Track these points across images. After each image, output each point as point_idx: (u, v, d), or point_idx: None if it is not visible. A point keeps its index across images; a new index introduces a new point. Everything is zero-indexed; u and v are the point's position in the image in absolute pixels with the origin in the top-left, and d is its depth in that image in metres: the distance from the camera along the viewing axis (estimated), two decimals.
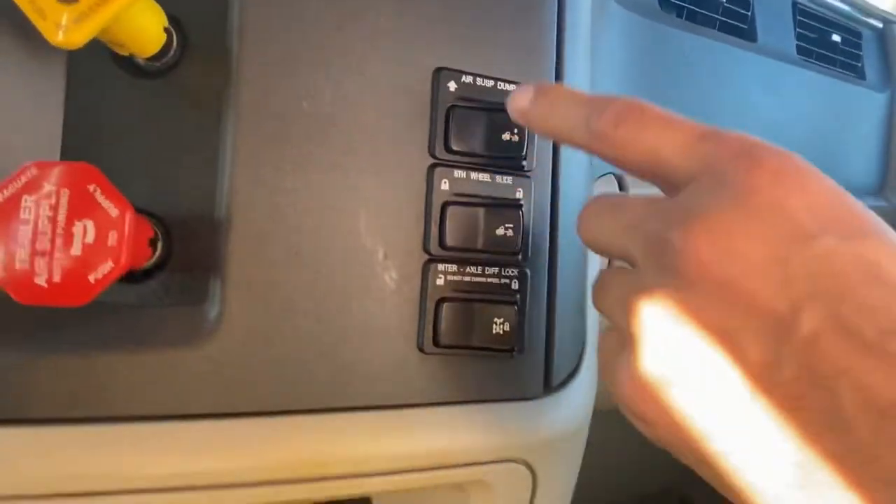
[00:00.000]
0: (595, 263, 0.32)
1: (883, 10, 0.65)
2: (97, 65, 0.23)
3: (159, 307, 0.23)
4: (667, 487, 0.67)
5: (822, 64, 0.58)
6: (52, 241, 0.18)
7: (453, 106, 0.26)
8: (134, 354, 0.22)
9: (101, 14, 0.18)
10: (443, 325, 0.25)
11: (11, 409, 0.21)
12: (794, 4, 0.58)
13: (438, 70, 0.26)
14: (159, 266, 0.23)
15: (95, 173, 0.18)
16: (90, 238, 0.18)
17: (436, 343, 0.25)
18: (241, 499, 0.23)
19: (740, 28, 0.52)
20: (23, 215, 0.18)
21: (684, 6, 0.49)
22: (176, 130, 0.24)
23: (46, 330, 0.21)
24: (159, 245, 0.23)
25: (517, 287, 0.27)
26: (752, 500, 0.17)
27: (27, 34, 0.22)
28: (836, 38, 0.60)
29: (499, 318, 0.26)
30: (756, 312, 0.15)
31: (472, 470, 0.27)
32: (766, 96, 0.52)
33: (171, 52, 0.23)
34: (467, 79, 0.26)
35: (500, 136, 0.26)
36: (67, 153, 0.23)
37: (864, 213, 0.16)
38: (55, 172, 0.18)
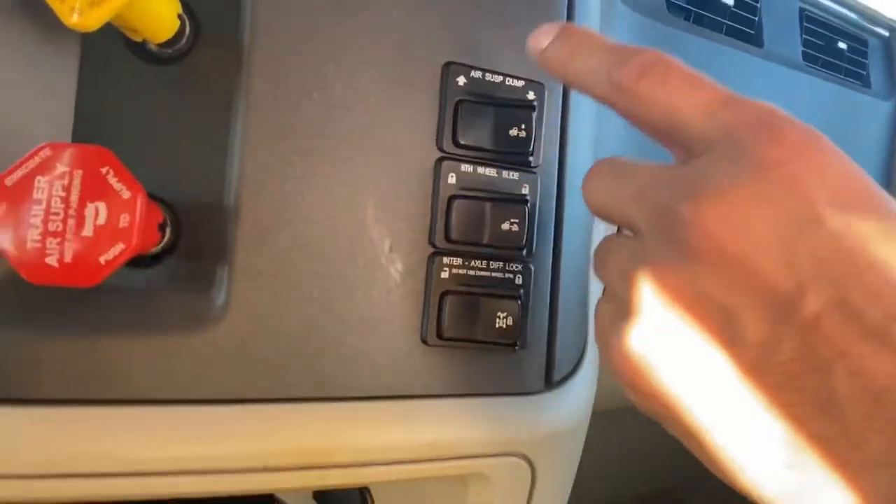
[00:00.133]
0: None
1: (889, 19, 0.65)
2: (110, 50, 0.23)
3: (166, 292, 0.23)
4: (664, 489, 0.67)
5: (827, 71, 0.58)
6: (64, 222, 0.18)
7: (462, 100, 0.26)
8: (140, 338, 0.22)
9: None
10: (446, 318, 0.25)
11: (18, 389, 0.21)
12: (802, 11, 0.58)
13: (448, 64, 0.26)
14: (167, 251, 0.23)
15: (109, 156, 0.18)
16: (102, 220, 0.18)
17: (439, 335, 0.26)
18: (242, 484, 0.24)
19: (747, 33, 0.52)
20: (35, 195, 0.18)
21: (692, 10, 0.49)
22: (186, 117, 0.24)
23: (54, 311, 0.22)
24: (167, 230, 0.23)
25: (521, 282, 0.27)
26: (736, 476, 0.17)
27: (42, 18, 0.22)
28: (842, 45, 0.61)
29: (502, 312, 0.26)
30: (760, 290, 0.15)
31: (473, 462, 0.27)
32: (771, 102, 0.53)
33: (184, 40, 0.23)
34: (476, 74, 0.26)
35: (508, 132, 0.26)
36: (78, 137, 0.23)
37: (882, 196, 0.15)
38: (69, 154, 0.18)
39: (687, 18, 0.49)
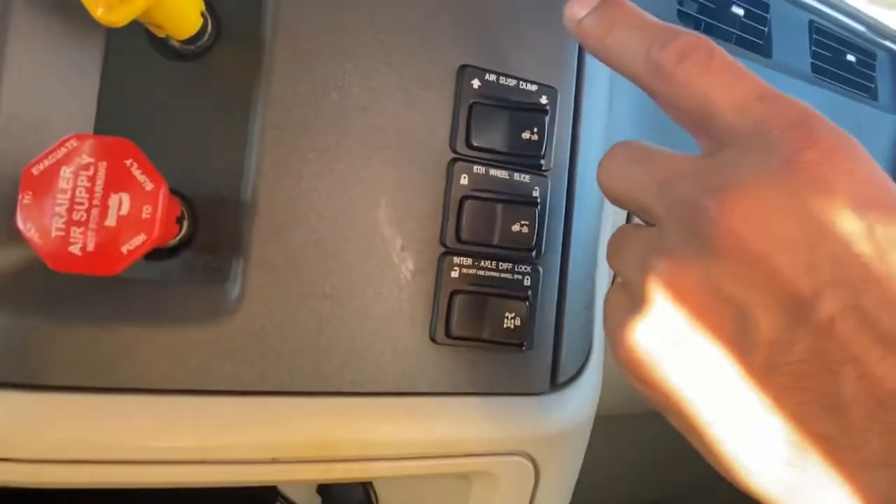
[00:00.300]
0: (605, 265, 0.33)
1: None
2: (133, 45, 0.24)
3: (182, 285, 0.23)
4: (666, 498, 0.68)
5: (835, 83, 0.59)
6: (88, 212, 0.18)
7: (476, 103, 0.26)
8: (156, 329, 0.22)
9: None
10: (455, 317, 0.26)
11: (36, 375, 0.21)
12: (811, 23, 0.59)
13: (463, 67, 0.26)
14: (184, 244, 0.24)
15: (133, 148, 0.19)
16: (125, 210, 0.18)
17: (448, 334, 0.26)
18: (250, 475, 0.24)
19: (756, 43, 0.52)
20: (61, 185, 0.18)
21: (702, 19, 0.49)
22: (206, 113, 0.24)
23: (73, 300, 0.22)
24: (185, 223, 0.23)
25: (529, 283, 0.27)
26: (736, 471, 0.17)
27: (68, 13, 0.22)
28: (850, 57, 0.61)
29: (510, 312, 0.26)
30: (777, 291, 0.15)
31: (477, 460, 0.27)
32: None
33: (206, 37, 0.24)
34: (490, 77, 0.27)
35: (521, 135, 0.27)
36: (100, 129, 0.23)
37: None
38: (94, 145, 0.18)
39: (697, 28, 0.49)
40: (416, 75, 0.26)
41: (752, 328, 0.16)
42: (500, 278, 0.27)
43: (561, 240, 0.29)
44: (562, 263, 0.29)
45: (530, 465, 0.28)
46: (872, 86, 0.63)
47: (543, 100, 0.27)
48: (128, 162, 0.18)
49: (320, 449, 0.24)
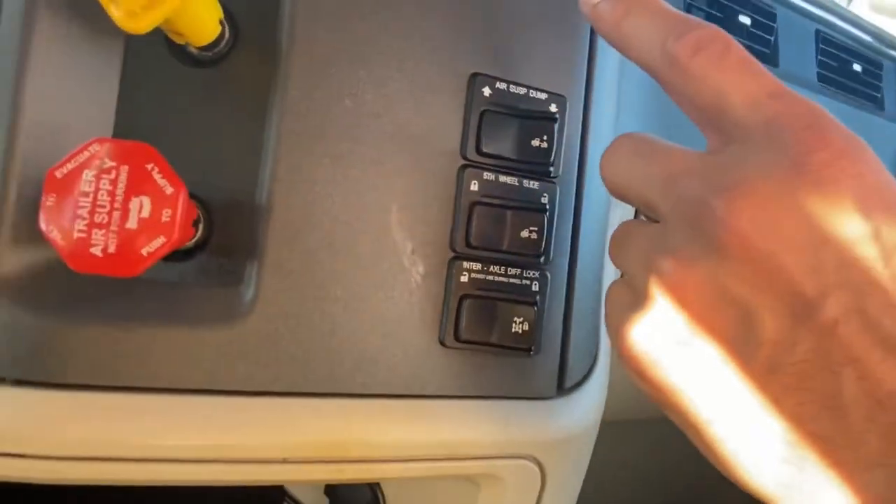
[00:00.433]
0: (612, 269, 0.33)
1: None
2: (152, 51, 0.24)
3: (197, 287, 0.24)
4: (669, 503, 0.68)
5: (842, 92, 0.59)
6: (110, 214, 0.19)
7: (486, 110, 0.27)
8: (171, 329, 0.23)
9: (169, 3, 0.19)
10: (464, 321, 0.26)
11: (55, 374, 0.22)
12: (818, 32, 0.59)
13: (474, 75, 0.27)
14: (199, 247, 0.24)
15: (154, 153, 0.19)
16: (145, 213, 0.19)
17: (456, 338, 0.26)
18: (261, 475, 0.24)
19: (763, 52, 0.53)
20: (83, 188, 0.19)
21: None
22: (222, 118, 0.25)
23: (91, 300, 0.22)
24: (201, 227, 0.24)
25: (538, 288, 0.28)
26: (734, 468, 0.17)
27: (89, 20, 0.23)
28: (857, 67, 0.61)
29: (518, 317, 0.27)
30: (782, 291, 0.15)
31: (484, 463, 0.27)
32: None
33: (223, 44, 0.24)
34: (501, 85, 0.27)
35: (530, 142, 0.27)
36: (119, 133, 0.24)
37: None
38: (116, 149, 0.19)
39: None
40: (428, 83, 0.26)
41: (755, 328, 0.16)
42: (508, 283, 0.27)
43: (569, 245, 0.29)
44: (569, 269, 0.29)
45: (537, 469, 0.29)
46: (878, 95, 0.63)
47: (553, 108, 0.28)
48: (149, 166, 0.19)
49: (331, 450, 0.25)
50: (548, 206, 0.28)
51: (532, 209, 0.27)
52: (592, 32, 0.30)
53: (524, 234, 0.27)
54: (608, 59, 0.31)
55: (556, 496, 0.30)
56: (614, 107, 0.32)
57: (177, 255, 0.24)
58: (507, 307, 0.27)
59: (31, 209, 0.22)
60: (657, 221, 0.20)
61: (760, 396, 0.16)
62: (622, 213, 0.36)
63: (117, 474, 0.23)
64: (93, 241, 0.19)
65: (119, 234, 0.19)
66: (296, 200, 0.24)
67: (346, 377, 0.25)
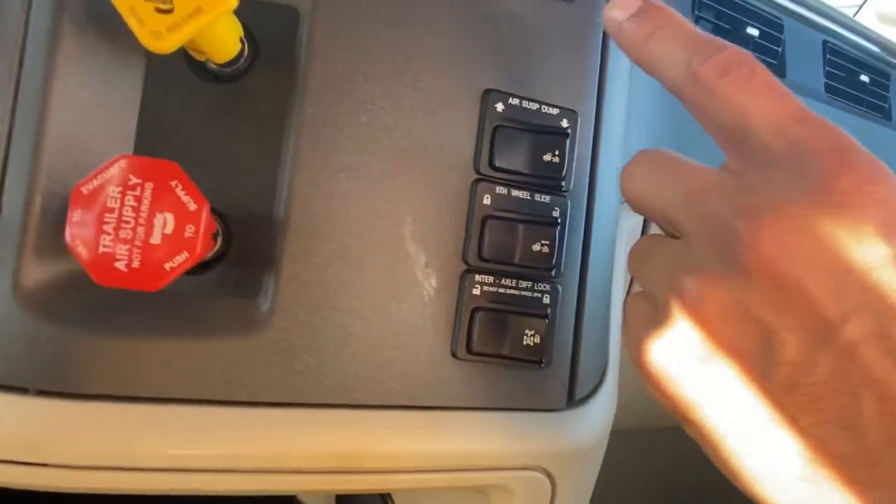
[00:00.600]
0: (621, 282, 0.33)
1: None
2: (172, 68, 0.25)
3: (215, 298, 0.24)
4: None
5: (849, 103, 0.59)
6: (134, 230, 0.19)
7: (499, 126, 0.27)
8: (190, 340, 0.23)
9: (193, 24, 0.20)
10: (476, 333, 0.26)
11: (75, 384, 0.22)
12: (825, 43, 0.59)
13: (488, 91, 0.27)
14: (217, 259, 0.24)
15: (178, 170, 0.20)
16: (169, 229, 0.19)
17: (468, 350, 0.27)
18: (275, 484, 0.25)
19: (770, 63, 0.53)
20: (109, 204, 0.19)
21: None
22: (240, 133, 0.25)
23: (111, 312, 0.23)
24: (219, 239, 0.24)
25: (549, 301, 0.28)
26: (750, 484, 0.17)
27: (112, 37, 0.23)
28: (864, 78, 0.61)
29: (530, 330, 0.27)
30: (805, 314, 0.16)
31: (495, 475, 0.28)
32: None
33: (243, 60, 0.25)
34: (514, 101, 0.27)
35: (542, 157, 0.27)
36: (140, 148, 0.24)
37: None
38: (141, 166, 0.19)
39: None
40: (442, 99, 0.26)
41: (776, 348, 0.16)
42: (520, 296, 0.27)
43: (579, 259, 0.29)
44: (580, 282, 0.29)
45: (547, 480, 0.29)
46: (886, 106, 0.63)
47: (564, 123, 0.28)
48: (173, 183, 0.19)
49: (344, 460, 0.25)
50: (559, 220, 0.28)
51: (544, 223, 0.28)
52: (603, 49, 0.30)
53: (536, 247, 0.27)
54: (618, 75, 0.31)
55: None
56: (624, 122, 0.32)
57: (196, 267, 0.24)
58: (519, 320, 0.27)
59: (54, 223, 0.22)
60: (675, 237, 0.20)
61: (778, 415, 0.16)
62: (630, 226, 0.37)
63: (136, 484, 0.23)
64: (117, 256, 0.19)
65: (143, 249, 0.19)
66: (312, 213, 0.25)
67: (360, 388, 0.25)
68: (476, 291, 0.27)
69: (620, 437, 0.34)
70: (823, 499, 0.16)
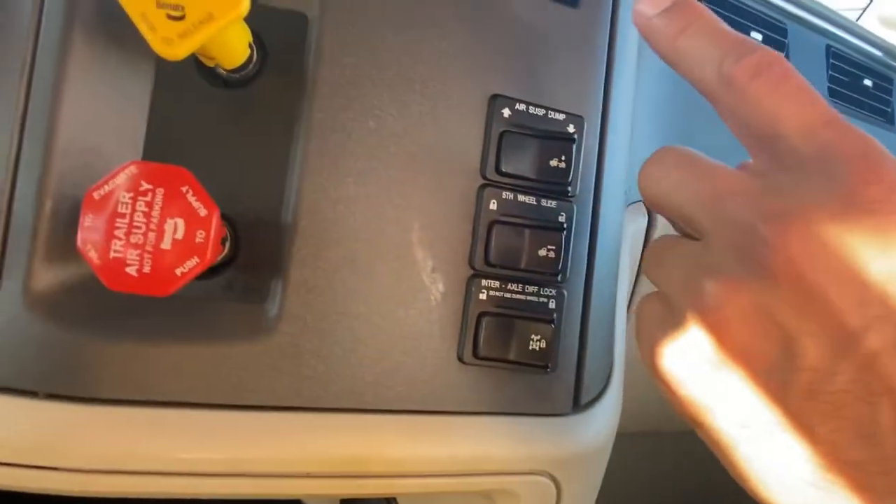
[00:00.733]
0: (626, 288, 0.34)
1: None
2: (181, 73, 0.25)
3: (223, 303, 0.24)
4: None
5: (852, 107, 0.59)
6: (145, 235, 0.19)
7: (506, 131, 0.27)
8: (198, 345, 0.23)
9: (204, 31, 0.20)
10: (482, 338, 0.27)
11: (85, 388, 0.22)
12: (828, 48, 0.59)
13: (494, 97, 0.27)
14: (226, 264, 0.25)
15: (188, 176, 0.20)
16: (180, 235, 0.19)
17: (475, 355, 0.27)
18: (284, 489, 0.25)
19: None
20: (120, 209, 0.19)
21: None
22: (249, 138, 0.25)
23: (121, 316, 0.23)
24: (227, 244, 0.24)
25: (555, 306, 0.28)
26: (762, 489, 0.17)
27: (122, 43, 0.24)
28: (867, 82, 0.62)
29: (536, 335, 0.27)
30: (827, 321, 0.15)
31: (501, 479, 0.28)
32: None
33: (251, 66, 0.25)
34: (520, 106, 0.28)
35: (549, 162, 0.28)
36: (149, 153, 0.24)
37: None
38: (152, 172, 0.20)
39: None
40: (449, 104, 0.27)
41: (796, 354, 0.16)
42: (526, 301, 0.28)
43: (585, 263, 0.29)
44: (585, 286, 0.29)
45: (552, 485, 0.29)
46: (889, 110, 0.63)
47: (571, 128, 0.28)
48: (184, 188, 0.20)
49: (352, 465, 0.25)
50: (565, 225, 0.28)
51: (550, 228, 0.28)
52: (609, 54, 0.30)
53: (542, 252, 0.27)
54: (624, 81, 0.31)
55: None
56: (629, 127, 0.32)
57: (204, 273, 0.24)
58: (525, 325, 0.27)
59: (64, 227, 0.23)
60: (693, 237, 0.20)
61: (795, 422, 0.16)
62: (635, 230, 0.37)
63: (143, 487, 0.23)
64: (128, 261, 0.19)
65: (154, 254, 0.19)
66: (320, 219, 0.25)
67: (368, 393, 0.25)
68: (482, 296, 0.27)
69: (625, 440, 0.34)
70: None
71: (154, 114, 0.25)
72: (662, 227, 0.37)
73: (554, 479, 0.29)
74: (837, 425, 0.16)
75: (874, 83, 0.62)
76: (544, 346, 0.27)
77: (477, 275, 0.27)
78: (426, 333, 0.26)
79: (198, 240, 0.19)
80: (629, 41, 0.31)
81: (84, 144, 0.23)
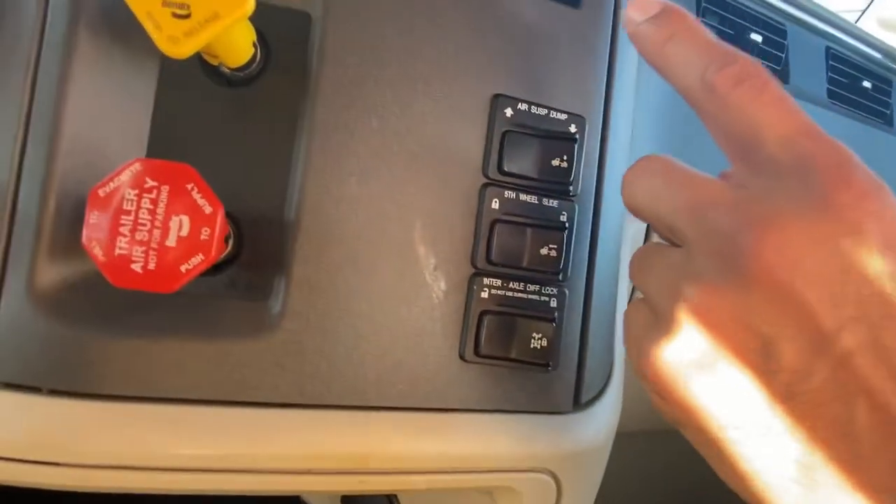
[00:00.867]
0: (626, 286, 0.34)
1: None
2: (185, 71, 0.25)
3: (226, 300, 0.24)
4: None
5: (851, 109, 0.60)
6: (150, 232, 0.19)
7: (508, 131, 0.27)
8: (201, 342, 0.23)
9: (209, 29, 0.20)
10: (484, 336, 0.27)
11: (88, 384, 0.22)
12: (828, 49, 0.59)
13: (497, 96, 0.27)
14: (229, 261, 0.25)
15: (193, 173, 0.20)
16: (185, 232, 0.19)
17: (476, 353, 0.27)
18: (287, 485, 0.25)
19: (774, 69, 0.53)
20: (125, 206, 0.19)
21: None
22: (252, 136, 0.25)
23: (124, 313, 0.23)
24: (231, 242, 0.24)
25: (556, 305, 0.28)
26: (745, 485, 0.18)
27: (127, 41, 0.24)
28: (866, 84, 0.62)
29: (537, 333, 0.27)
30: (803, 324, 0.16)
31: (502, 476, 0.28)
32: None
33: (255, 65, 0.25)
34: (523, 106, 0.28)
35: (550, 162, 0.28)
36: (153, 151, 0.25)
37: None
38: (157, 169, 0.20)
39: None
40: (452, 104, 0.27)
41: (775, 356, 0.16)
42: (527, 300, 0.28)
43: (586, 262, 0.30)
44: (586, 285, 0.30)
45: (552, 482, 0.29)
46: (888, 112, 0.64)
47: (573, 128, 0.29)
48: (189, 186, 0.20)
49: (354, 461, 0.25)
50: (567, 224, 0.28)
51: (551, 227, 0.28)
52: (611, 54, 0.30)
53: (543, 251, 0.27)
54: (625, 81, 0.31)
55: None
56: (630, 127, 0.32)
57: (208, 270, 0.25)
58: (527, 323, 0.27)
59: (68, 224, 0.23)
60: (676, 244, 0.21)
61: (777, 421, 0.17)
62: (634, 231, 0.37)
63: (145, 483, 0.23)
64: (133, 258, 0.19)
65: (159, 251, 0.19)
66: (323, 217, 0.25)
67: (369, 390, 0.25)
68: (484, 295, 0.27)
69: (623, 439, 0.35)
70: (817, 503, 0.16)
71: (158, 112, 0.25)
72: None
73: (554, 477, 0.29)
74: (816, 424, 0.16)
75: (873, 85, 0.63)
76: (545, 344, 0.27)
77: (479, 273, 0.27)
78: (428, 331, 0.26)
79: (202, 237, 0.20)
80: (630, 42, 0.31)
81: (88, 142, 0.23)
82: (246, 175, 0.25)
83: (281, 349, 0.24)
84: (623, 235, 0.34)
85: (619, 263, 0.33)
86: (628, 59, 0.31)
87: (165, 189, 0.20)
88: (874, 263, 0.16)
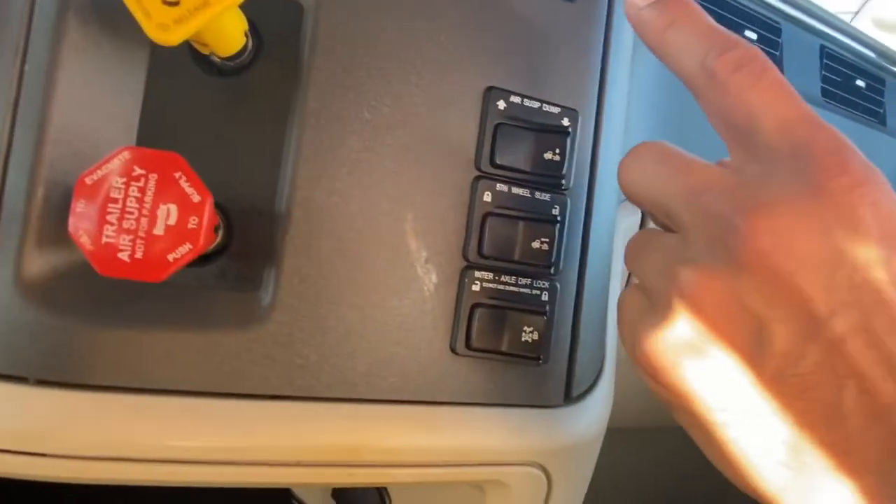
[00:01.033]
0: (618, 281, 0.34)
1: None
2: (176, 60, 0.25)
3: (216, 291, 0.24)
4: None
5: (845, 108, 0.60)
6: (138, 221, 0.19)
7: (501, 123, 0.27)
8: (191, 333, 0.23)
9: (199, 17, 0.20)
10: (475, 329, 0.27)
11: (77, 374, 0.22)
12: (822, 48, 0.60)
13: (489, 89, 0.27)
14: (219, 252, 0.25)
15: (182, 162, 0.20)
16: (172, 220, 0.19)
17: (467, 346, 0.27)
18: (275, 477, 0.25)
19: None
20: (112, 195, 0.19)
21: None
22: (243, 127, 0.25)
23: (113, 303, 0.23)
24: (221, 232, 0.24)
25: (547, 298, 0.28)
26: (733, 467, 0.18)
27: (117, 29, 0.23)
28: (860, 83, 0.62)
29: (528, 326, 0.27)
30: (796, 308, 0.16)
31: (492, 470, 0.28)
32: None
33: (246, 54, 0.25)
34: (515, 99, 0.28)
35: (543, 155, 0.28)
36: (142, 140, 0.24)
37: None
38: (145, 158, 0.19)
39: None
40: (444, 96, 0.27)
41: (767, 339, 0.17)
42: (519, 293, 0.28)
43: (578, 256, 0.30)
44: (578, 279, 0.30)
45: (543, 476, 0.29)
46: (881, 111, 0.64)
47: (565, 121, 0.28)
48: (177, 174, 0.19)
49: (343, 454, 0.25)
50: (559, 218, 0.28)
51: (543, 220, 0.28)
52: (605, 47, 0.30)
53: (535, 244, 0.27)
54: (619, 74, 0.31)
55: (561, 502, 0.30)
56: (623, 120, 0.32)
57: (197, 260, 0.24)
58: (518, 316, 0.27)
59: (55, 213, 0.22)
60: (671, 229, 0.21)
61: (767, 403, 0.17)
62: (627, 225, 0.37)
63: (134, 474, 0.23)
64: (121, 247, 0.19)
65: (146, 240, 0.19)
66: (314, 208, 0.25)
67: (360, 382, 0.25)
68: (476, 288, 0.27)
69: (613, 435, 0.35)
70: (808, 484, 0.17)
71: (148, 100, 0.25)
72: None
73: (545, 471, 0.29)
74: (806, 407, 0.16)
75: (867, 84, 0.63)
76: (536, 337, 0.27)
77: (470, 266, 0.27)
78: (419, 324, 0.26)
79: (190, 226, 0.19)
80: (624, 35, 0.31)
81: (77, 131, 0.23)
82: (236, 165, 0.25)
83: (271, 341, 0.24)
84: (616, 230, 0.34)
85: (612, 258, 0.33)
86: (622, 53, 0.31)
87: (153, 178, 0.19)
88: (867, 250, 0.16)
